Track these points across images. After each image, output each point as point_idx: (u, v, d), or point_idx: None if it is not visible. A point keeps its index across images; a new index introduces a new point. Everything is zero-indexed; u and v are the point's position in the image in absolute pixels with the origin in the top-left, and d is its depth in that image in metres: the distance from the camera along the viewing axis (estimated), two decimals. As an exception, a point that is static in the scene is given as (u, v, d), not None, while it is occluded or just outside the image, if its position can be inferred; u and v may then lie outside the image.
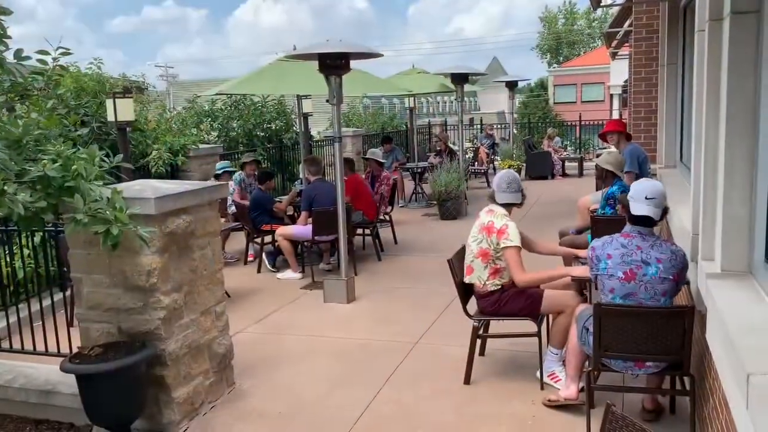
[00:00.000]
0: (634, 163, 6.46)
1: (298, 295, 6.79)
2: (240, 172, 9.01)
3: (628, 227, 3.57)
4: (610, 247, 3.51)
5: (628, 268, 3.42)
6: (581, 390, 3.84)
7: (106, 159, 3.45)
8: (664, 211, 3.57)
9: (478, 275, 4.36)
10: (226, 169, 8.97)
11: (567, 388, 3.93)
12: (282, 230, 7.62)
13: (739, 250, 2.95)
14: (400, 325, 5.66)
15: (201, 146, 10.39)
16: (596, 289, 3.71)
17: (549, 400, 3.98)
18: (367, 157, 9.99)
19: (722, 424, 2.77)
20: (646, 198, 3.48)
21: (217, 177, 8.79)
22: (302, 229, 7.49)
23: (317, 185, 7.61)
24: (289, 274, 7.53)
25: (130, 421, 3.71)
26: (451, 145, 14.18)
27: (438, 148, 14.51)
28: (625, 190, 4.87)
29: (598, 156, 6.17)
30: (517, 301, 4.30)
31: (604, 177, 5.74)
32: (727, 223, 2.96)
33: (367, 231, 8.43)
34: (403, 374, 4.64)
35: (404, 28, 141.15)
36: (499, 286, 4.34)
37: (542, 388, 4.21)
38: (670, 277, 3.39)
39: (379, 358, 4.96)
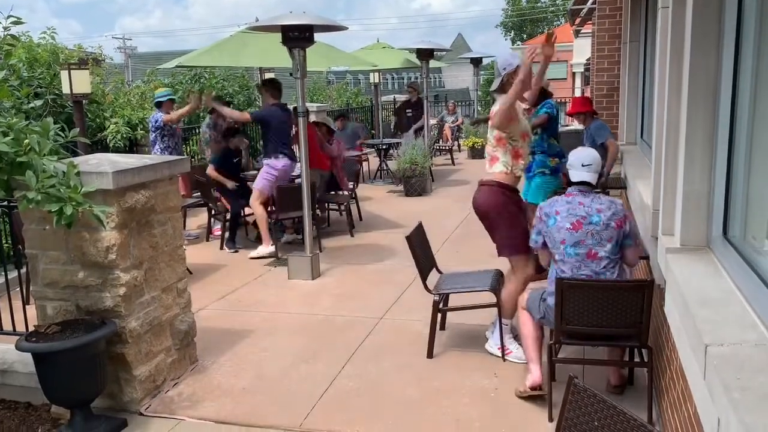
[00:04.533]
0: (606, 133, 6.40)
1: (262, 272, 6.74)
2: (209, 116, 8.76)
3: (570, 189, 3.84)
4: (557, 205, 3.75)
5: (574, 219, 3.63)
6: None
7: (61, 133, 3.33)
8: (600, 175, 3.91)
9: (504, 161, 4.26)
10: (170, 97, 8.11)
11: (531, 373, 3.92)
12: (253, 196, 7.17)
13: (698, 226, 3.02)
14: (364, 301, 5.67)
15: None
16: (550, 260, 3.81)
17: (519, 392, 3.87)
18: (317, 121, 9.59)
19: (679, 393, 2.84)
20: (582, 165, 3.76)
21: (158, 105, 7.98)
22: (264, 178, 7.06)
23: (273, 111, 7.10)
24: (262, 250, 7.13)
25: (90, 399, 3.63)
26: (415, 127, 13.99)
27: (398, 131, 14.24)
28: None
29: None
30: (504, 228, 4.27)
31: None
32: (686, 199, 3.02)
33: (333, 206, 8.37)
34: (366, 349, 4.65)
35: (370, 1, 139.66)
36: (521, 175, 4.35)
37: (504, 360, 4.28)
38: (613, 224, 3.57)
39: (343, 333, 4.96)
